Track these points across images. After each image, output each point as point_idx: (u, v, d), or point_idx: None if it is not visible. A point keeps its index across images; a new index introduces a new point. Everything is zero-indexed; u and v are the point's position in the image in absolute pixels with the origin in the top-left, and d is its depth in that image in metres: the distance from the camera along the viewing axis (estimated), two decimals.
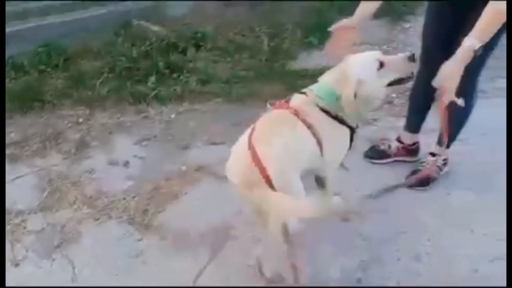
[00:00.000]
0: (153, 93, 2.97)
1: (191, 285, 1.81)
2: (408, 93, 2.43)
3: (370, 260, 1.91)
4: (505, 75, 3.02)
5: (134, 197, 2.24)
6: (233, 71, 3.23)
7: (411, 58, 1.72)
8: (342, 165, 1.99)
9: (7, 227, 2.08)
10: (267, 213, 1.50)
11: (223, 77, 3.15)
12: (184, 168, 2.42)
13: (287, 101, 1.72)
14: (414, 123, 2.40)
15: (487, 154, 2.42)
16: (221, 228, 2.04)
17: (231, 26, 3.72)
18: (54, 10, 3.47)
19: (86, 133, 2.69)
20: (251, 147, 1.54)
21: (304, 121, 1.63)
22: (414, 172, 2.29)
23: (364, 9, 1.89)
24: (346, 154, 1.83)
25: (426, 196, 2.23)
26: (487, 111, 2.38)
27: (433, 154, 2.31)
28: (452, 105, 1.68)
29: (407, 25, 3.89)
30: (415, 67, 1.83)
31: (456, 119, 1.86)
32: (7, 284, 1.72)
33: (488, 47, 1.61)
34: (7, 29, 3.02)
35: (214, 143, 2.58)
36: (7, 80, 2.99)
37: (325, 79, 1.74)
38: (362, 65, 1.69)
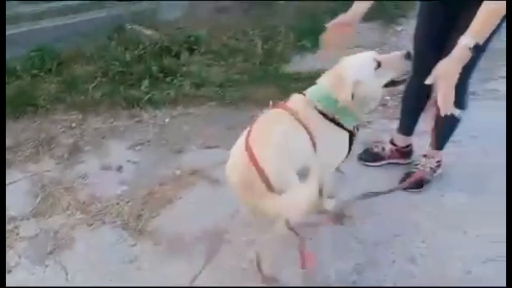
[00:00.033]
0: (147, 97, 2.96)
1: None
2: (401, 95, 2.44)
3: (365, 262, 1.92)
4: (496, 77, 3.06)
5: (127, 202, 2.23)
6: (227, 75, 3.23)
7: (407, 56, 1.73)
8: (337, 169, 2.00)
9: None
10: (264, 214, 1.51)
11: (217, 80, 3.14)
12: (178, 172, 2.41)
13: (286, 102, 1.73)
14: (407, 125, 2.41)
15: (479, 156, 2.44)
16: (215, 232, 2.04)
17: (224, 29, 3.72)
18: (47, 15, 3.45)
19: (79, 138, 2.67)
20: (248, 148, 1.55)
21: (299, 121, 1.63)
22: (408, 174, 2.30)
23: (357, 8, 1.90)
24: (344, 160, 1.83)
25: (420, 198, 2.24)
26: (478, 113, 2.40)
27: (426, 156, 2.33)
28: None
29: (399, 28, 3.92)
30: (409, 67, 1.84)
31: (448, 121, 1.87)
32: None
33: (479, 49, 1.62)
34: None
35: (208, 147, 2.58)
36: None
37: (322, 82, 1.75)
38: (359, 65, 1.69)
